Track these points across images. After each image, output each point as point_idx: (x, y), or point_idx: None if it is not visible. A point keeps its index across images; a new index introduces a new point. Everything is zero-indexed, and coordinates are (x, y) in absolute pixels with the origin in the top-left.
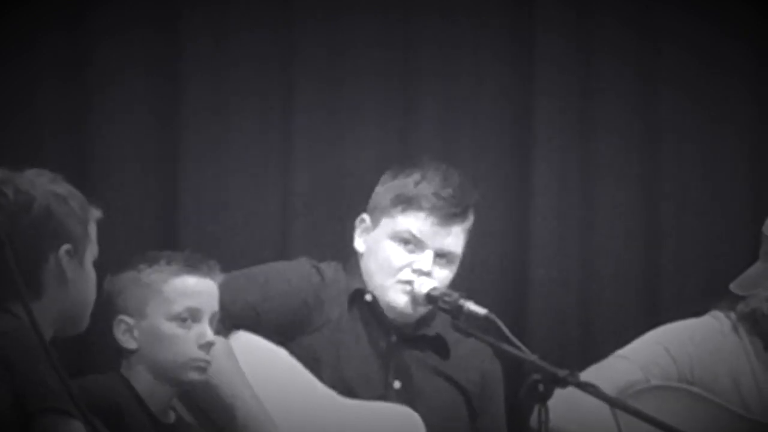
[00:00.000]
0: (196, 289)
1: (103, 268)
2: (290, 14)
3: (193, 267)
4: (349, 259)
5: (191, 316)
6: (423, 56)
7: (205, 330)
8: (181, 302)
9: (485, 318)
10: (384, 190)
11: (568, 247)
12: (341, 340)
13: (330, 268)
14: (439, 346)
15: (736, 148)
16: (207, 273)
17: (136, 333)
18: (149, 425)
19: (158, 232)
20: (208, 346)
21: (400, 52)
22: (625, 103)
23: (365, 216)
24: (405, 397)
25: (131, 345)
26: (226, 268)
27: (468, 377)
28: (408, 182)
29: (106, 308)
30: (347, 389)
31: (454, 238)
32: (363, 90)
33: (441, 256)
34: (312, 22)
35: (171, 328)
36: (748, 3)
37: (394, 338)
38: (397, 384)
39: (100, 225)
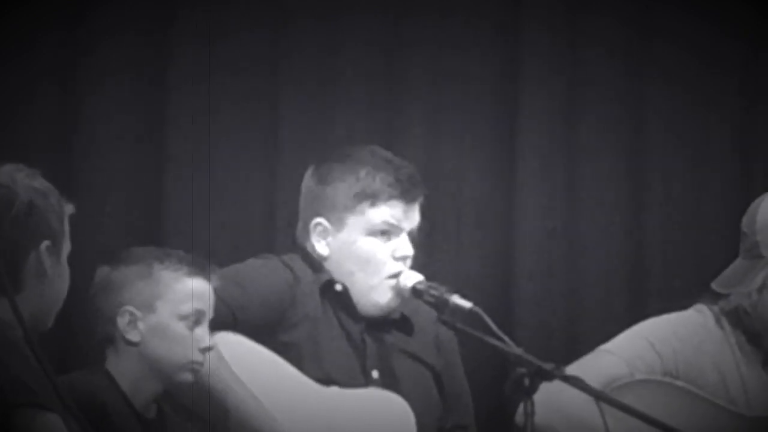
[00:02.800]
0: (204, 292)
1: (88, 265)
2: (279, 16)
3: (202, 270)
4: (299, 251)
5: (197, 319)
6: (410, 55)
7: (206, 334)
8: (191, 304)
9: (471, 311)
10: (335, 190)
11: (553, 241)
12: (320, 334)
13: (295, 262)
14: (405, 326)
15: (724, 142)
16: (210, 278)
17: (140, 326)
18: (133, 421)
19: (145, 232)
20: (206, 351)
21: (387, 50)
22: (613, 98)
23: (320, 219)
24: (383, 385)
25: (134, 337)
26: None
27: (430, 351)
28: (363, 177)
29: (101, 299)
30: (330, 383)
31: (417, 213)
32: (350, 90)
33: (411, 234)
34: (300, 23)
35: (180, 327)
36: None
37: (363, 325)
38: (375, 373)
39: (89, 223)
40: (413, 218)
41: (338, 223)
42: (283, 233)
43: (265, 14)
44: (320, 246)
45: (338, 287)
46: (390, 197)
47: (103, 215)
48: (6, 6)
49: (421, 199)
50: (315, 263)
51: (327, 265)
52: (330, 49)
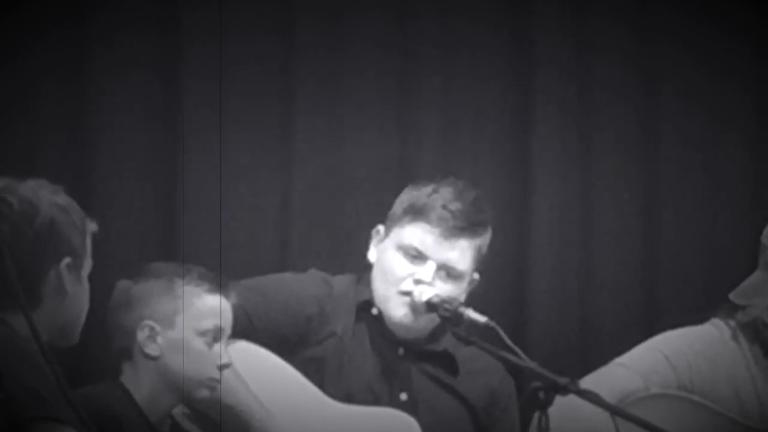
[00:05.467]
0: (224, 309)
1: (103, 280)
2: (290, 16)
3: (222, 287)
4: (366, 270)
5: (215, 336)
6: (422, 57)
7: (224, 351)
8: (211, 320)
9: (485, 325)
10: (399, 201)
11: (567, 253)
12: (346, 353)
13: (342, 281)
14: (447, 362)
15: (736, 151)
16: (228, 295)
17: (160, 340)
18: None
19: (158, 238)
20: (223, 368)
21: (399, 52)
22: (624, 103)
23: (380, 227)
24: (411, 409)
25: (153, 351)
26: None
27: (477, 394)
28: (421, 194)
29: (121, 313)
30: (351, 401)
31: (459, 254)
32: (362, 91)
33: (443, 269)
34: (311, 24)
35: (199, 343)
36: (747, 2)
37: (401, 351)
38: (403, 396)
39: (99, 234)
40: (447, 254)
41: (387, 232)
42: (294, 238)
43: (276, 13)
44: (371, 252)
45: (374, 311)
46: (427, 220)
47: (117, 231)
48: (11, 7)
49: (469, 241)
50: (363, 283)
51: (371, 274)
52: (342, 47)
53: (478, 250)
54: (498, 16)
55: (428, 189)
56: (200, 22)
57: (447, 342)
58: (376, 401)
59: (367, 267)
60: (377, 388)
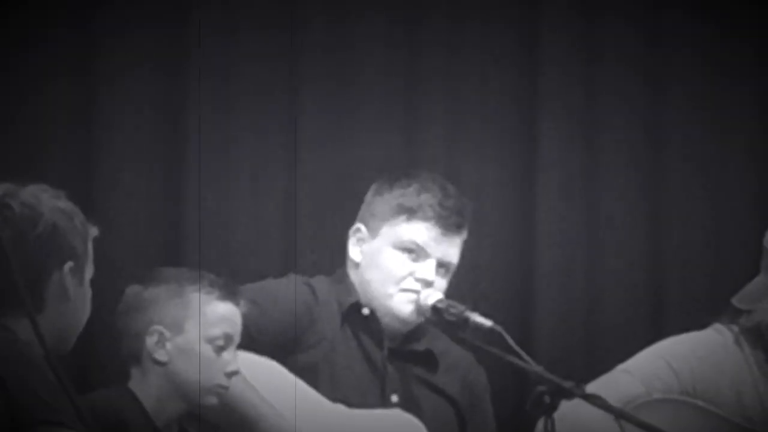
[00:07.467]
0: (233, 317)
1: (108, 286)
2: (296, 15)
3: (232, 294)
4: (335, 270)
5: (225, 343)
6: (427, 56)
7: (233, 358)
8: (221, 327)
9: (491, 330)
10: (382, 199)
11: (573, 258)
12: (336, 357)
13: (321, 283)
14: (429, 361)
15: (741, 153)
16: (239, 303)
17: (168, 346)
18: None
19: (163, 242)
20: (232, 375)
21: (404, 52)
22: (630, 104)
23: (360, 225)
24: (402, 409)
25: (162, 357)
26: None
27: (455, 388)
28: (409, 192)
29: (130, 317)
30: (346, 404)
31: (454, 249)
32: (368, 90)
33: (441, 265)
34: (317, 23)
35: (207, 350)
36: (753, 3)
37: (385, 352)
38: (394, 398)
39: (104, 236)
40: (446, 250)
41: (374, 232)
42: (300, 238)
43: (283, 13)
44: (354, 252)
45: (365, 311)
46: (426, 218)
47: (121, 235)
48: (10, 8)
49: (461, 236)
50: (344, 281)
51: (355, 274)
52: (348, 47)
53: (463, 243)
54: (504, 15)
55: (415, 187)
56: (206, 23)
57: (427, 341)
58: (368, 404)
59: (340, 266)
60: (368, 391)
